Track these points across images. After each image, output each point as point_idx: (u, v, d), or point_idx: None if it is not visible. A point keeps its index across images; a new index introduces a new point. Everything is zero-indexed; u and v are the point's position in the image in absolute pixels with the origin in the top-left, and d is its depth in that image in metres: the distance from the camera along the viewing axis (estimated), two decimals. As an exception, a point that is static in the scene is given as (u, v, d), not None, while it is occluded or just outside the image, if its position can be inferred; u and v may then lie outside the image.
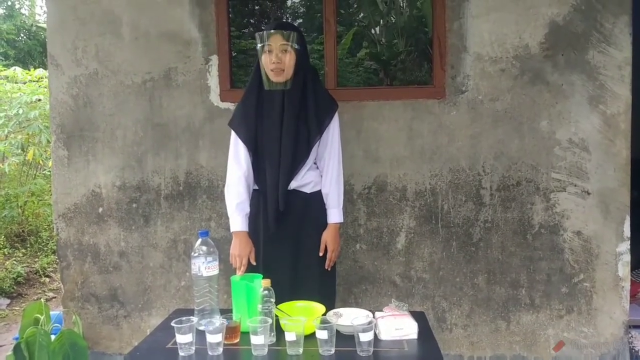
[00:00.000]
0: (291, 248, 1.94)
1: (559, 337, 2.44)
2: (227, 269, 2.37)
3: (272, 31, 1.84)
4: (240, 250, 1.89)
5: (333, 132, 1.97)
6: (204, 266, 1.58)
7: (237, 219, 1.92)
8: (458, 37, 2.40)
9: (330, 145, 1.97)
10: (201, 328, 1.51)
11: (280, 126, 1.89)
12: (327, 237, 1.96)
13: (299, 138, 1.90)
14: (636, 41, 2.36)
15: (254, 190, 1.99)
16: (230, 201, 1.93)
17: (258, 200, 1.97)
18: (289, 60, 1.85)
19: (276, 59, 1.83)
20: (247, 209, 1.94)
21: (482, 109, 2.41)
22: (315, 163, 2.00)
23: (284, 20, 1.69)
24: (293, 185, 1.93)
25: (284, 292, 1.73)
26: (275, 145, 1.90)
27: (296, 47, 1.85)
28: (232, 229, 1.93)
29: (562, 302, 2.43)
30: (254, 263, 1.92)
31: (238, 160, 1.94)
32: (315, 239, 1.96)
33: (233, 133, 1.97)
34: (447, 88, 2.42)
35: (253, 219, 1.97)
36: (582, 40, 2.34)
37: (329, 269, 1.99)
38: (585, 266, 2.41)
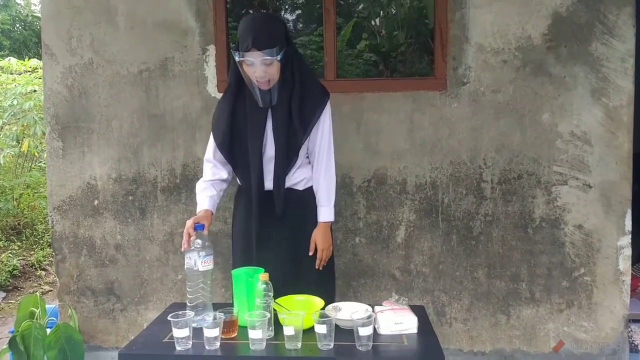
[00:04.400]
0: (288, 244, 1.89)
1: (559, 332, 2.43)
2: (223, 263, 2.35)
3: (249, 52, 1.67)
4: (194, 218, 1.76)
5: (323, 126, 1.83)
6: (200, 260, 1.54)
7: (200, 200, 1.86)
8: (460, 27, 2.36)
9: (319, 140, 1.84)
10: (194, 325, 1.48)
11: (264, 130, 1.81)
12: (317, 236, 1.88)
13: (288, 138, 1.81)
14: (640, 33, 2.33)
15: (243, 188, 1.92)
16: (198, 190, 1.89)
17: (248, 199, 1.89)
18: (274, 69, 1.73)
19: (260, 72, 1.71)
20: (211, 192, 1.86)
21: (483, 100, 2.38)
22: (307, 158, 1.91)
23: (261, 23, 1.47)
24: (286, 184, 1.87)
25: (281, 288, 1.70)
26: (256, 147, 1.81)
27: (279, 58, 1.69)
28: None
29: (563, 296, 2.41)
30: (193, 235, 1.66)
31: (210, 155, 1.89)
32: (310, 236, 1.90)
33: None
34: (448, 79, 2.39)
35: (245, 218, 1.91)
36: (585, 31, 2.31)
37: (320, 269, 1.91)
38: (586, 260, 2.39)
